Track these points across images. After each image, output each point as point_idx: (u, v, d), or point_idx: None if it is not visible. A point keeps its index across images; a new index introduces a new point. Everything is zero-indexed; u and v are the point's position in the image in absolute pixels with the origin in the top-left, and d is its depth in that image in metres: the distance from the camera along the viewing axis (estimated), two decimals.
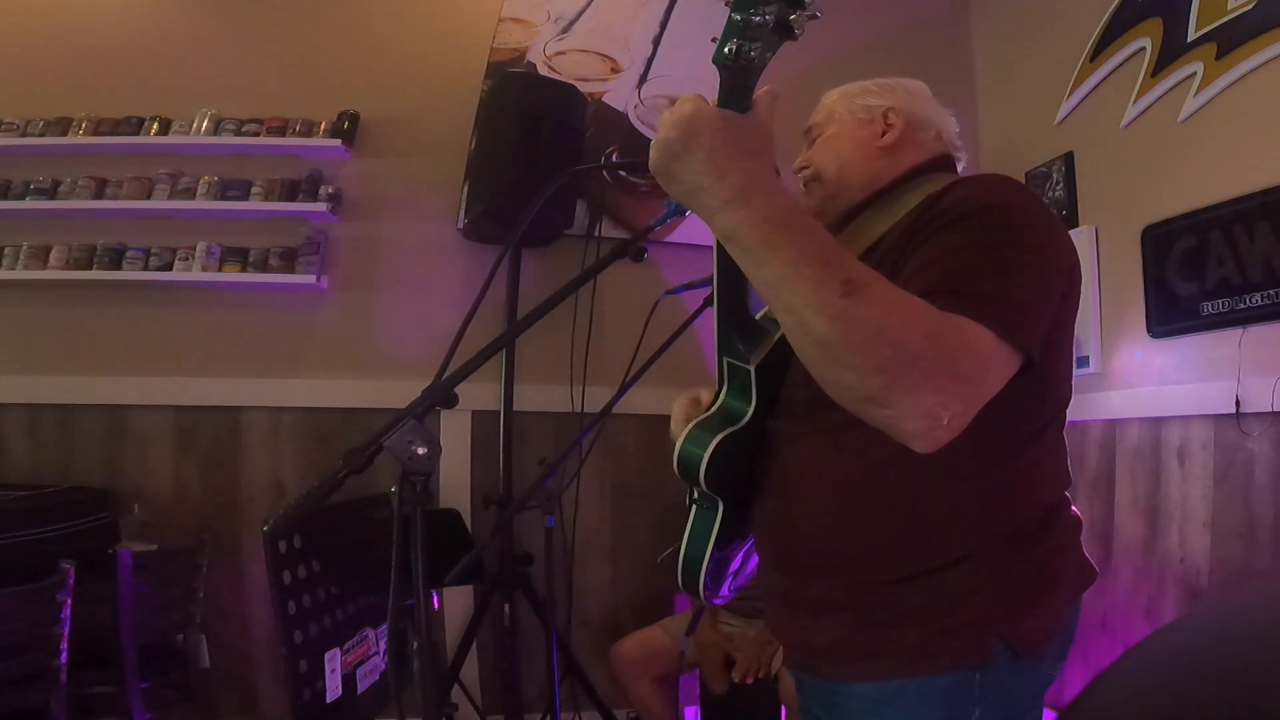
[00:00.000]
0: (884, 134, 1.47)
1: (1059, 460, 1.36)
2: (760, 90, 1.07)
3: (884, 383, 1.01)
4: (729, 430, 1.33)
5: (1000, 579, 1.23)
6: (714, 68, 1.04)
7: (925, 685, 1.23)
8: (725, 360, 1.36)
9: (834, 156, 1.49)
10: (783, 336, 1.31)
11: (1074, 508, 1.37)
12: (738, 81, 1.04)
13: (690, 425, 1.37)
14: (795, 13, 0.96)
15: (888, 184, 1.43)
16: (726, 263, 1.26)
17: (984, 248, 1.16)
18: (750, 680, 3.02)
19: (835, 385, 1.06)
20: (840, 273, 1.01)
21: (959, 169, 1.51)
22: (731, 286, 1.30)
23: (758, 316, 1.37)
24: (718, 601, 1.50)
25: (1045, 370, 1.17)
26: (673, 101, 1.09)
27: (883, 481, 1.25)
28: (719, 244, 1.25)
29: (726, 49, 0.99)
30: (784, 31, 0.98)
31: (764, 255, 1.03)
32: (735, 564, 1.48)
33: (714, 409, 1.38)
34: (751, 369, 1.33)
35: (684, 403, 1.49)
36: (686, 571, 1.40)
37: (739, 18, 0.97)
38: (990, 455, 1.11)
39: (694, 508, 1.41)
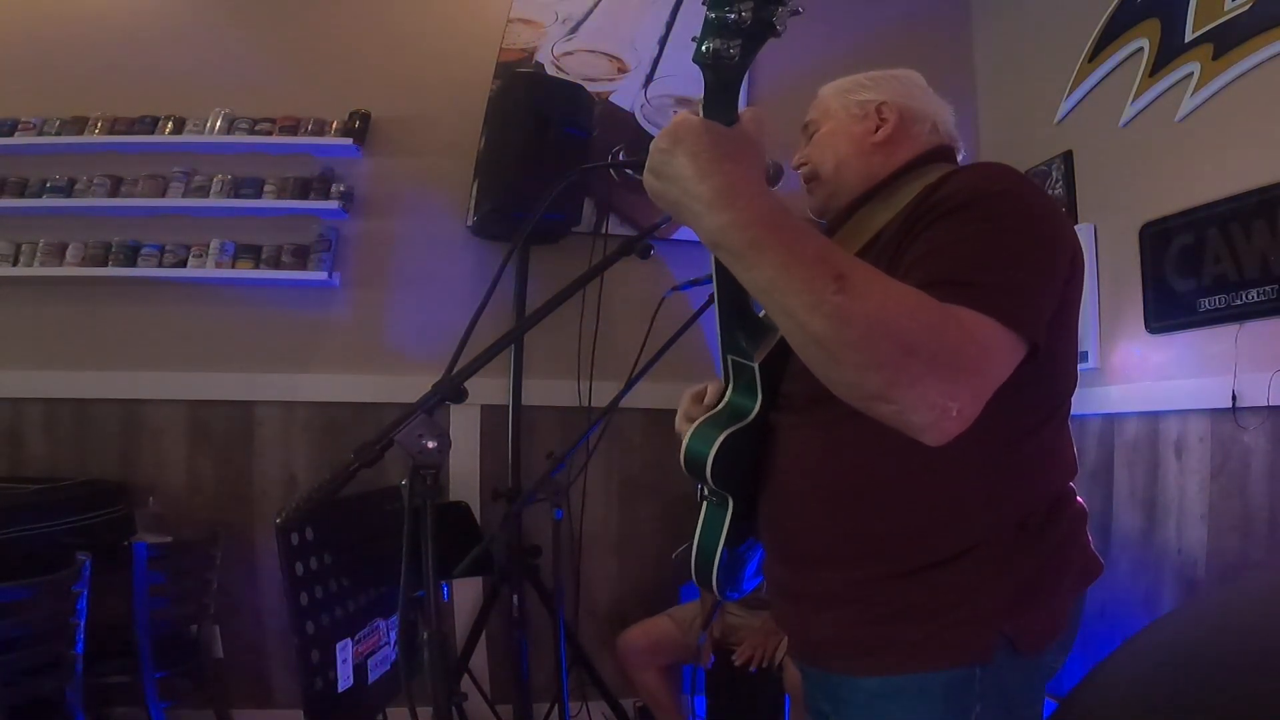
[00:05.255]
0: (878, 129, 1.46)
1: (1064, 449, 1.33)
2: (743, 110, 1.06)
3: (886, 378, 0.98)
4: (735, 427, 1.31)
5: (1004, 573, 1.21)
6: None
7: (926, 681, 1.22)
8: (730, 358, 1.35)
9: (831, 154, 1.49)
10: None
11: (1079, 499, 1.35)
12: (721, 80, 1.03)
13: (697, 422, 1.34)
14: (776, 10, 0.94)
15: (885, 178, 1.42)
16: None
17: (982, 236, 1.13)
18: (754, 669, 3.05)
19: (839, 384, 1.03)
20: (831, 270, 0.98)
21: (959, 159, 1.49)
22: (732, 285, 1.26)
23: (761, 314, 1.35)
24: (734, 596, 1.47)
25: (1050, 357, 1.15)
26: (678, 101, 1.09)
27: (883, 474, 1.23)
28: None
29: (705, 48, 0.97)
30: (766, 29, 0.95)
31: (753, 259, 1.00)
32: (753, 566, 1.47)
33: (721, 406, 1.36)
34: (756, 365, 1.31)
35: (688, 398, 1.46)
36: (700, 567, 1.39)
37: (714, 16, 0.95)
38: (995, 445, 1.07)
39: (705, 504, 1.39)
